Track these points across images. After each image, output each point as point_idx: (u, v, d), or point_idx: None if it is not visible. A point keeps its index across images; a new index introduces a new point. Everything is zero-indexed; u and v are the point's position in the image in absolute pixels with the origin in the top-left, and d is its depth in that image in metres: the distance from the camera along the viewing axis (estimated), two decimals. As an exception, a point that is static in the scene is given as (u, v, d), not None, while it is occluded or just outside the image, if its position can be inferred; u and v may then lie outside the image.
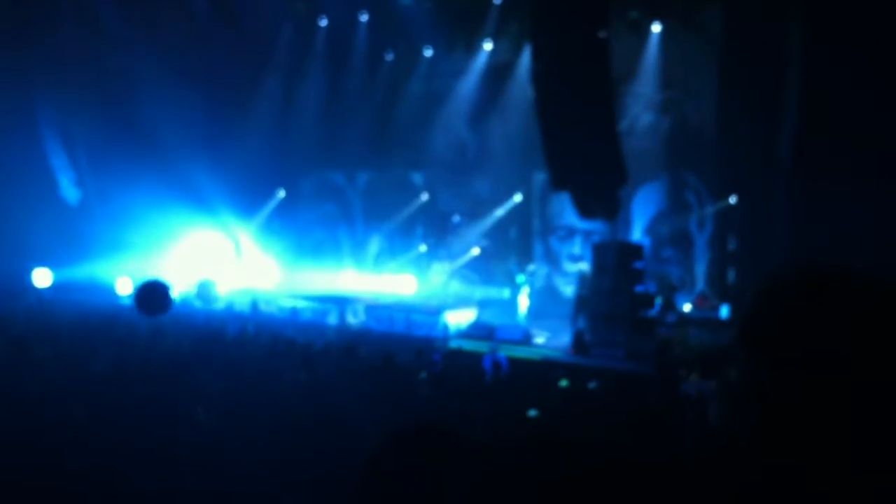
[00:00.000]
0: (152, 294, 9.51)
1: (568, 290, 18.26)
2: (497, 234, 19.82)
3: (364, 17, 21.65)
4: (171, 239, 20.57)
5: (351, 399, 7.63)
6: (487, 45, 20.24)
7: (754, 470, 1.47)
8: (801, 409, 1.40)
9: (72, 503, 5.36)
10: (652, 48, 17.69)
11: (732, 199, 16.43)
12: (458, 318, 15.84)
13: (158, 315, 9.84)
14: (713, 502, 1.65)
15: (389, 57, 22.01)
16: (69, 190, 21.34)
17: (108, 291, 19.15)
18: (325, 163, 22.86)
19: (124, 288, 19.33)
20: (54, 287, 19.24)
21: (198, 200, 20.42)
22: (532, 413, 7.38)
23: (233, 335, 13.23)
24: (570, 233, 18.59)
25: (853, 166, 13.06)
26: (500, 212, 19.66)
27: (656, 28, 17.62)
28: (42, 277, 19.30)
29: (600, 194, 13.24)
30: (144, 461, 5.61)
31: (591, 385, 10.52)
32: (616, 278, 13.45)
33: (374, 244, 21.50)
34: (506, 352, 12.61)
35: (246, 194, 22.19)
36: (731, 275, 16.44)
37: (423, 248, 20.43)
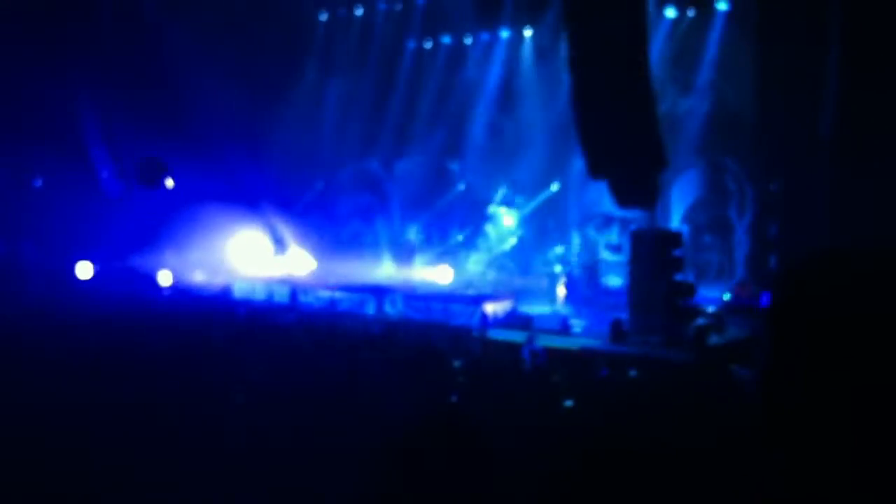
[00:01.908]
0: (150, 168, 9.48)
1: (610, 279, 18.18)
2: (534, 223, 19.76)
3: (399, 6, 21.66)
4: (212, 231, 20.71)
5: (389, 387, 7.65)
6: (526, 32, 20.17)
7: (776, 454, 1.46)
8: (818, 393, 1.39)
9: (111, 485, 5.43)
10: (688, 32, 17.53)
11: (773, 184, 16.22)
12: (496, 308, 15.81)
13: (153, 188, 9.78)
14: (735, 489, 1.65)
15: (427, 45, 22.00)
16: (110, 183, 21.55)
17: (150, 284, 19.34)
18: (362, 153, 22.90)
19: (165, 280, 19.52)
20: (96, 279, 19.48)
21: (237, 192, 20.54)
22: (568, 403, 7.35)
23: (272, 325, 13.32)
24: (608, 221, 18.48)
25: (896, 146, 12.88)
26: (537, 200, 19.59)
27: (695, 12, 17.46)
28: (84, 269, 19.54)
29: (638, 182, 13.14)
30: (184, 445, 5.67)
31: (632, 374, 10.47)
32: (654, 266, 13.36)
33: (412, 234, 21.51)
34: (543, 341, 12.58)
35: (285, 185, 22.30)
36: (773, 261, 16.23)
37: (460, 237, 20.41)
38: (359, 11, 22.36)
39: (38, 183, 20.45)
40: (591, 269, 18.11)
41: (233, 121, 21.57)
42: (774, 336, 1.51)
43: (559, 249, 18.23)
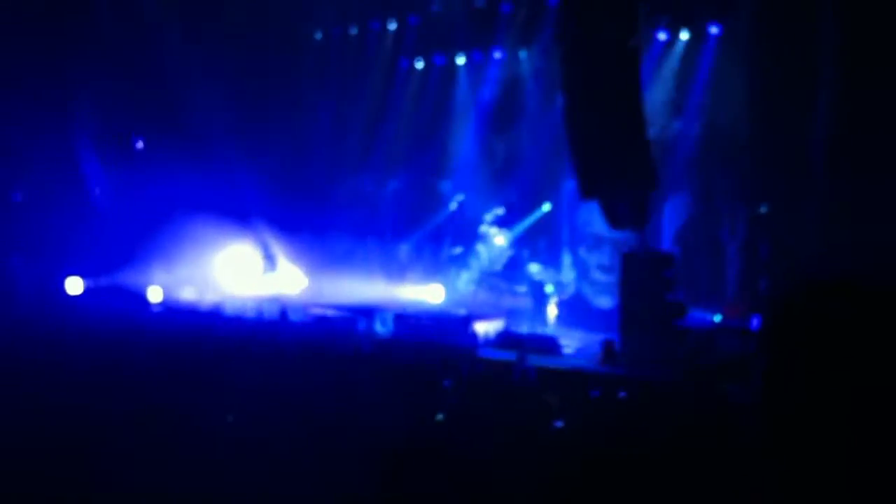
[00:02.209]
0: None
1: (598, 300, 18.20)
2: (526, 243, 19.76)
3: (392, 26, 21.75)
4: (203, 247, 20.66)
5: (378, 407, 7.63)
6: (519, 53, 20.26)
7: (770, 469, 1.46)
8: (810, 411, 1.39)
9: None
10: (680, 54, 17.63)
11: (764, 206, 16.27)
12: (487, 327, 15.79)
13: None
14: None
15: (419, 64, 22.06)
16: (102, 198, 21.50)
17: (139, 300, 19.27)
18: (354, 171, 22.92)
19: (155, 297, 19.46)
20: (86, 295, 19.39)
21: (229, 208, 20.51)
22: (558, 424, 7.33)
23: (262, 343, 13.27)
24: (599, 242, 18.50)
25: (890, 169, 12.91)
26: (528, 221, 19.60)
27: (685, 35, 17.55)
28: (74, 285, 19.46)
29: (630, 203, 13.19)
30: (170, 464, 5.64)
31: (623, 394, 10.45)
32: (645, 287, 13.37)
33: (403, 252, 21.49)
34: (534, 361, 12.56)
35: (276, 202, 22.27)
36: (763, 283, 16.25)
37: (458, 250, 20.40)
38: (353, 30, 22.43)
39: (18, 197, 20.34)
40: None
41: (226, 137, 21.59)
42: (769, 358, 1.52)
43: (534, 268, 18.25)
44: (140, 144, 19.83)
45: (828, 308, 1.47)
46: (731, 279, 17.06)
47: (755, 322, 15.40)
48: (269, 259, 21.69)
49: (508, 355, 13.31)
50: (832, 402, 1.42)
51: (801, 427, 1.45)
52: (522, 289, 18.06)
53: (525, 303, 18.30)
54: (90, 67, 20.32)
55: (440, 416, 7.94)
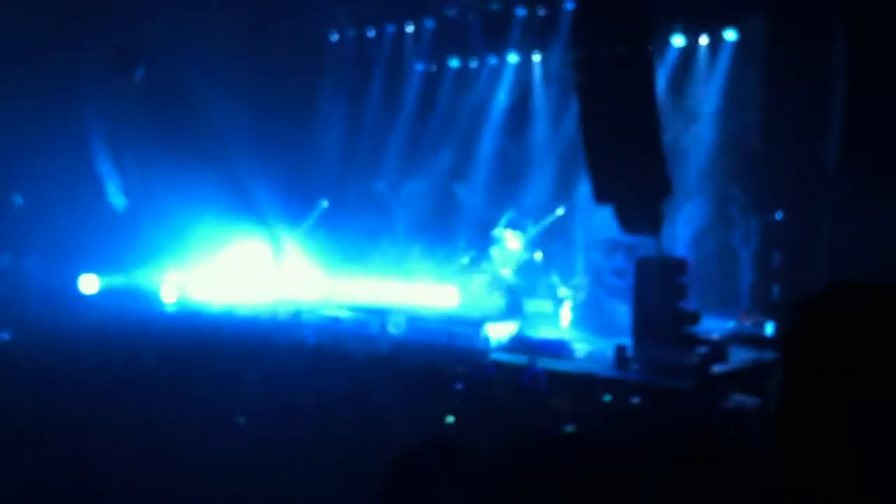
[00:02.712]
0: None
1: (612, 304, 18.16)
2: (539, 246, 19.73)
3: (410, 28, 21.79)
4: (217, 247, 20.75)
5: (390, 409, 7.65)
6: (534, 57, 20.25)
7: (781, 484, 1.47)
8: (830, 422, 1.40)
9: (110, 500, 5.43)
10: (696, 60, 17.59)
11: (778, 214, 16.22)
12: (500, 331, 15.79)
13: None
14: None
15: (434, 68, 22.08)
16: (116, 197, 21.63)
17: (153, 299, 19.38)
18: (368, 173, 22.95)
19: (169, 296, 19.57)
20: (100, 293, 19.51)
21: (244, 209, 20.58)
22: (569, 429, 7.33)
23: (275, 344, 13.32)
24: (613, 246, 18.45)
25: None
26: (542, 224, 19.58)
27: (703, 41, 17.51)
28: (89, 284, 19.58)
29: (644, 208, 13.18)
30: (184, 466, 5.67)
31: (634, 400, 10.46)
32: (659, 293, 13.34)
33: (417, 255, 21.49)
34: (547, 365, 12.56)
35: (291, 203, 22.34)
36: (776, 291, 16.20)
37: (465, 259, 20.39)
38: (371, 33, 22.48)
39: (20, 200, 20.46)
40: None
41: (240, 138, 21.68)
42: (788, 366, 1.53)
43: (554, 279, 18.22)
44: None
45: (852, 309, 1.49)
46: (745, 286, 17.01)
47: (768, 329, 15.36)
48: (281, 258, 21.75)
49: (520, 359, 13.32)
50: (856, 406, 1.43)
51: (822, 434, 1.46)
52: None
53: (539, 306, 18.30)
54: (104, 69, 20.45)
55: (450, 419, 7.96)
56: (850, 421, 1.40)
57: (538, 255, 19.32)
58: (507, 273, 18.99)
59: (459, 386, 10.08)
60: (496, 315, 17.18)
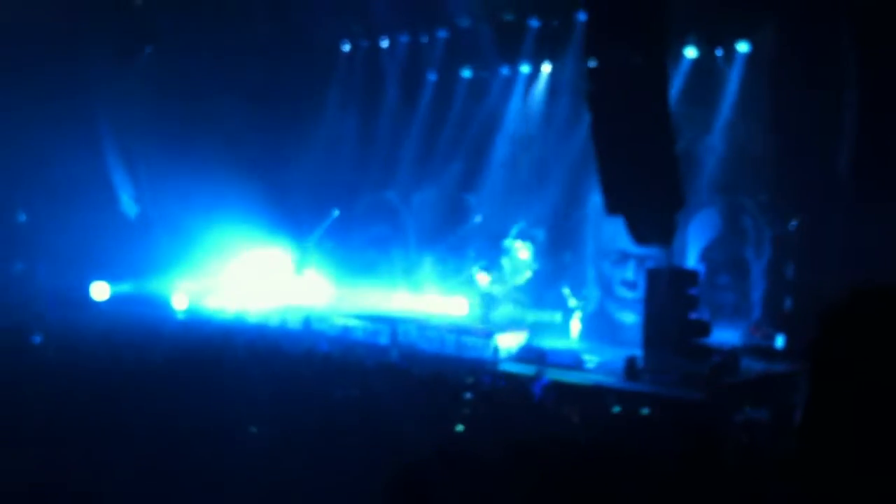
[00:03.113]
0: None
1: (622, 315, 18.14)
2: (550, 257, 19.72)
3: (424, 38, 21.83)
4: (228, 255, 20.81)
5: (400, 418, 7.64)
6: (546, 67, 20.25)
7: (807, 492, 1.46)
8: (861, 429, 1.39)
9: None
10: (708, 71, 17.56)
11: (790, 225, 16.16)
12: (509, 341, 15.78)
13: None
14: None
15: (447, 78, 22.09)
16: (129, 205, 21.71)
17: (164, 306, 19.44)
18: (379, 183, 22.98)
19: (180, 304, 19.62)
20: (112, 301, 19.57)
21: (255, 218, 20.63)
22: (578, 439, 7.32)
23: (286, 352, 13.33)
24: (624, 257, 18.42)
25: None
26: (553, 235, 19.56)
27: (715, 52, 17.50)
28: (100, 291, 19.65)
29: (655, 219, 13.14)
30: (194, 471, 5.67)
31: (644, 411, 10.42)
32: (669, 304, 13.31)
33: (427, 265, 21.51)
34: (556, 376, 12.54)
35: (302, 213, 22.40)
36: (788, 302, 16.13)
37: (475, 269, 20.39)
38: (384, 43, 22.54)
39: (23, 217, 20.56)
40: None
41: (251, 147, 21.75)
42: (816, 375, 1.52)
43: (566, 291, 18.20)
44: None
45: (877, 314, 1.48)
46: (757, 298, 16.94)
47: (779, 341, 15.30)
48: (295, 266, 21.78)
49: (529, 369, 13.30)
50: (886, 411, 1.42)
51: (852, 441, 1.45)
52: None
53: (549, 317, 18.30)
54: (118, 80, 20.55)
55: (460, 428, 7.94)
56: (880, 426, 1.39)
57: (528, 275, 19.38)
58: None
59: (469, 395, 10.06)
60: (506, 325, 17.17)
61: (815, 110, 15.11)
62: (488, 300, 18.85)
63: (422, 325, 17.12)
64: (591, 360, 14.79)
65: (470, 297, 19.72)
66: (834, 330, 1.53)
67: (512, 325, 17.37)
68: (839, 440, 1.46)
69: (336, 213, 23.00)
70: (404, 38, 22.19)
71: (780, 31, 16.18)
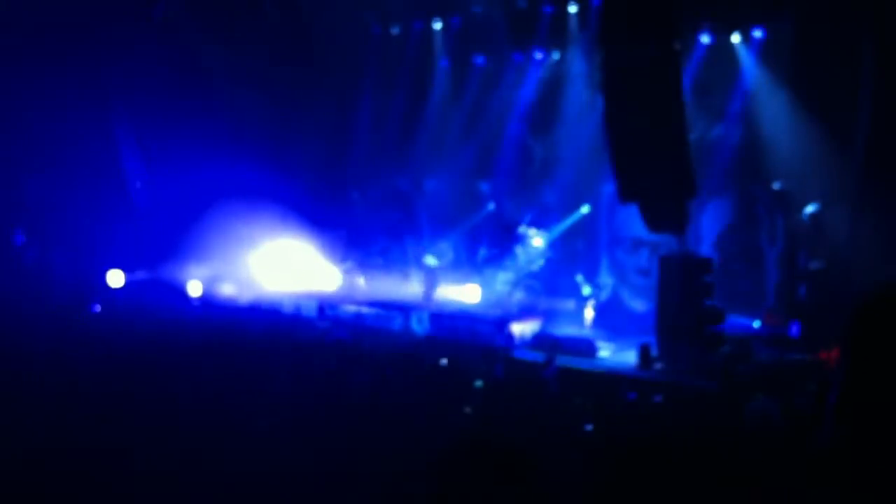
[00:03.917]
0: None
1: (636, 303, 18.13)
2: (563, 244, 19.70)
3: (438, 25, 21.79)
4: (243, 243, 20.85)
5: (413, 405, 7.67)
6: (559, 55, 20.19)
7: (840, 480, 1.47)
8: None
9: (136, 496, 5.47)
10: (722, 58, 17.47)
11: (805, 214, 16.10)
12: (523, 329, 15.78)
13: None
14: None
15: (459, 65, 22.06)
16: (142, 194, 21.75)
17: (179, 294, 19.50)
18: (391, 170, 22.99)
19: (195, 291, 19.68)
20: (126, 288, 19.64)
21: (269, 206, 20.66)
22: (588, 428, 7.34)
23: (299, 339, 13.39)
24: (638, 245, 18.41)
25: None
26: (567, 222, 19.55)
27: (730, 39, 17.40)
28: (115, 279, 19.72)
29: (669, 207, 13.11)
30: (208, 460, 5.71)
31: (658, 399, 10.43)
32: (683, 292, 13.29)
33: (440, 252, 21.51)
34: (570, 363, 12.55)
35: (315, 200, 22.42)
36: (802, 291, 16.07)
37: (487, 256, 20.38)
38: (395, 30, 22.51)
39: (21, 239, 20.60)
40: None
41: (266, 135, 21.77)
42: (853, 360, 1.53)
43: (579, 278, 18.19)
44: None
45: None
46: (771, 286, 16.89)
47: (794, 330, 15.26)
48: (308, 255, 21.79)
49: (542, 357, 13.32)
50: None
51: (885, 423, 1.46)
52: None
53: (563, 305, 18.28)
54: (129, 65, 20.56)
55: (468, 410, 7.97)
56: None
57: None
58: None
59: (482, 383, 10.09)
60: (519, 312, 17.15)
61: (830, 98, 15.04)
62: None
63: (435, 313, 17.13)
64: (604, 347, 14.80)
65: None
66: (870, 317, 1.54)
67: (525, 312, 17.36)
68: (873, 429, 1.48)
69: (355, 196, 23.06)
70: (418, 25, 22.15)
71: (798, 17, 16.07)
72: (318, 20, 21.91)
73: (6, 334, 11.09)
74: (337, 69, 23.06)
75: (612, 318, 17.51)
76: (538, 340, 15.18)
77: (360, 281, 19.85)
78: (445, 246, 20.18)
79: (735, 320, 14.74)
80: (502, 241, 20.11)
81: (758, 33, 17.02)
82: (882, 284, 1.56)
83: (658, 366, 13.17)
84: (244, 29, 21.13)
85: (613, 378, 12.64)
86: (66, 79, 19.01)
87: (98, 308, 12.35)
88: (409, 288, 19.84)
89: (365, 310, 18.00)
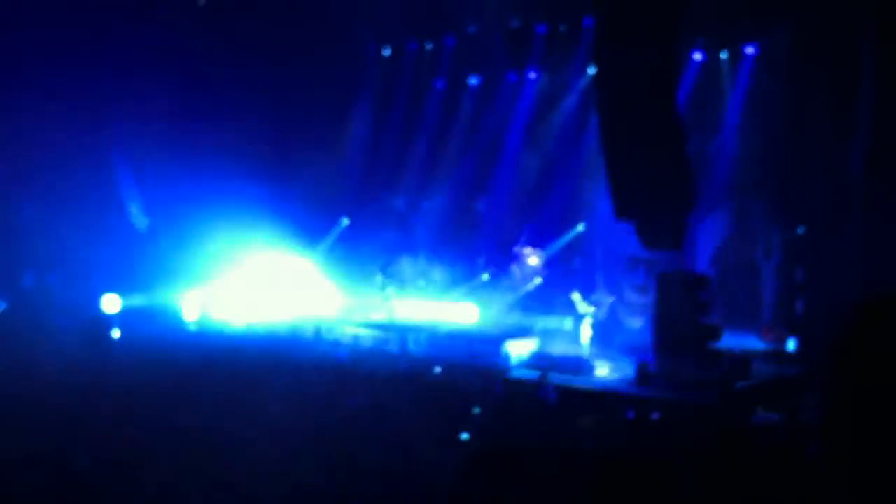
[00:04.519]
0: None
1: (633, 321, 18.09)
2: (560, 263, 19.70)
3: (429, 46, 21.87)
4: (237, 265, 20.82)
5: (411, 425, 7.64)
6: (555, 73, 20.26)
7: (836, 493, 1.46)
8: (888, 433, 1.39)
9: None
10: (716, 74, 17.54)
11: (801, 228, 16.11)
12: (520, 348, 15.73)
13: None
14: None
15: (454, 84, 22.13)
16: (138, 217, 21.73)
17: (175, 317, 19.44)
18: (387, 190, 23.00)
19: (191, 315, 19.62)
20: (122, 313, 19.58)
21: (264, 228, 20.64)
22: (587, 446, 7.30)
23: (296, 361, 13.34)
24: (634, 262, 18.39)
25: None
26: (563, 240, 19.55)
27: (721, 56, 17.48)
28: (111, 303, 19.67)
29: (665, 224, 13.09)
30: (206, 481, 5.68)
31: (656, 416, 10.39)
32: (680, 309, 13.26)
33: (437, 272, 21.48)
34: (568, 382, 12.50)
35: (311, 221, 22.41)
36: (800, 306, 16.07)
37: (485, 276, 20.37)
38: (386, 51, 22.60)
39: (30, 280, 20.59)
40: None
41: (260, 155, 21.77)
42: (837, 377, 1.52)
43: (575, 296, 18.16)
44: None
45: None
46: (768, 301, 16.88)
47: (791, 345, 15.24)
48: (304, 276, 21.72)
49: (538, 376, 13.26)
50: None
51: (866, 451, 1.45)
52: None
53: (560, 323, 18.23)
54: (125, 87, 20.58)
55: (465, 436, 7.93)
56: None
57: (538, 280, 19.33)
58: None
59: (480, 403, 10.05)
60: (516, 332, 17.10)
61: (827, 112, 15.07)
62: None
63: (432, 333, 17.09)
64: (602, 365, 14.75)
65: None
66: (854, 332, 1.53)
67: (522, 332, 17.31)
68: (858, 443, 1.46)
69: (345, 221, 23.03)
70: (413, 46, 22.23)
71: (794, 32, 16.13)
72: (315, 41, 21.96)
73: (6, 358, 11.08)
74: (333, 89, 23.10)
75: (609, 336, 17.46)
76: (536, 360, 15.12)
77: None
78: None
79: (732, 336, 14.71)
80: (499, 261, 20.11)
81: (750, 50, 17.10)
82: (869, 297, 1.55)
83: (657, 382, 13.10)
84: (240, 52, 21.17)
85: (612, 396, 12.58)
86: (62, 101, 19.01)
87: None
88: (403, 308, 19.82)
89: (362, 331, 17.94)
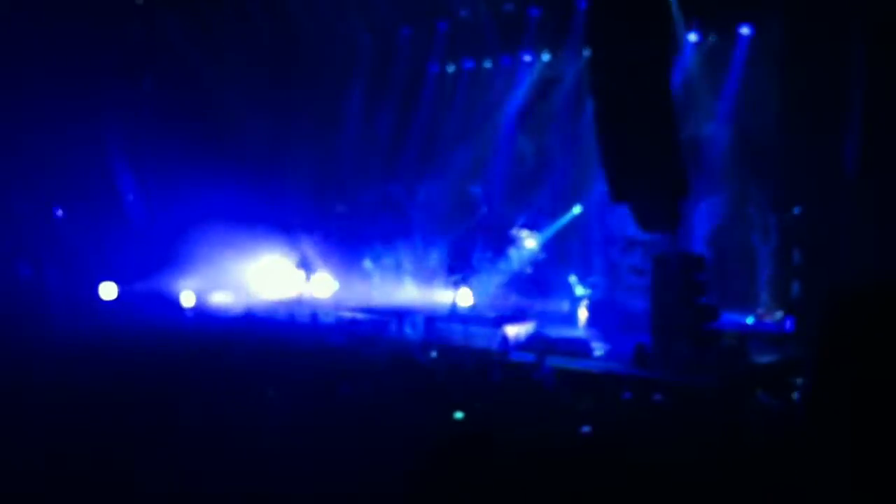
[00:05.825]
0: None
1: (630, 302, 18.11)
2: (556, 245, 19.71)
3: (422, 31, 21.79)
4: (235, 252, 20.81)
5: (408, 409, 7.65)
6: (548, 56, 20.22)
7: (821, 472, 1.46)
8: (874, 415, 1.39)
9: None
10: (711, 57, 17.51)
11: (796, 212, 16.10)
12: (517, 331, 15.74)
13: None
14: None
15: (449, 69, 22.09)
16: (136, 206, 21.72)
17: (172, 305, 19.45)
18: (384, 176, 22.98)
19: (188, 302, 19.62)
20: (120, 301, 19.58)
21: (260, 214, 20.64)
22: (585, 429, 7.30)
23: (294, 347, 13.35)
24: (631, 244, 18.40)
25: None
26: (559, 223, 19.55)
27: (719, 38, 17.43)
28: (108, 291, 19.65)
29: (661, 207, 13.09)
30: (204, 468, 5.69)
31: (655, 398, 10.41)
32: (678, 290, 13.27)
33: (433, 256, 21.49)
34: (565, 364, 12.52)
35: (307, 208, 22.40)
36: (796, 288, 16.08)
37: (481, 260, 20.35)
38: (384, 36, 22.52)
39: (59, 212, 20.56)
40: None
41: (256, 144, 21.76)
42: (821, 357, 1.52)
43: (572, 279, 18.17)
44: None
45: (883, 307, 1.49)
46: (764, 283, 16.91)
47: (788, 326, 15.27)
48: (306, 265, 21.72)
49: (533, 357, 13.28)
50: (884, 403, 1.42)
51: (847, 428, 1.45)
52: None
53: (557, 306, 18.26)
54: (121, 80, 20.55)
55: (459, 415, 7.95)
56: (880, 411, 1.39)
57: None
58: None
59: (478, 385, 10.07)
60: (513, 315, 17.10)
61: (821, 96, 15.04)
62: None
63: (429, 317, 17.09)
64: (599, 347, 14.77)
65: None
66: (840, 316, 1.53)
67: (519, 314, 17.32)
68: (840, 421, 1.47)
69: (342, 208, 23.03)
70: (406, 31, 22.15)
71: (787, 15, 16.10)
72: (306, 29, 21.91)
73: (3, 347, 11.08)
74: (327, 77, 23.06)
75: (606, 318, 17.48)
76: (532, 342, 15.14)
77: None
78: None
79: (729, 317, 14.74)
80: (495, 244, 20.10)
81: (745, 31, 17.05)
82: (855, 281, 1.56)
83: (654, 364, 13.13)
84: (233, 43, 21.13)
85: (610, 378, 12.60)
86: (58, 94, 18.98)
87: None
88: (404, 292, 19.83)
89: (359, 316, 17.94)
